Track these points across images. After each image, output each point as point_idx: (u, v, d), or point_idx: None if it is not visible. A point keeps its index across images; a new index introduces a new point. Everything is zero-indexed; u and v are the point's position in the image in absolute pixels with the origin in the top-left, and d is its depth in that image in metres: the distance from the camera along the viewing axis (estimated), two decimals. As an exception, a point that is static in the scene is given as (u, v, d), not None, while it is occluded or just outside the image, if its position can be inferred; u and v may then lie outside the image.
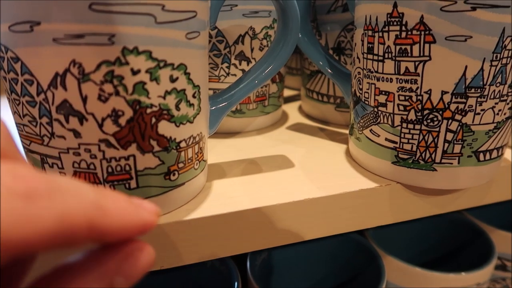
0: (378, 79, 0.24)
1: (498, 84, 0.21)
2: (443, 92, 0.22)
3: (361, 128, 0.26)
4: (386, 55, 0.23)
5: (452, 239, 0.40)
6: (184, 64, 0.19)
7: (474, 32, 0.20)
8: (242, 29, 0.29)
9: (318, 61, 0.30)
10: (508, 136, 0.24)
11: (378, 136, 0.25)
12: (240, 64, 0.31)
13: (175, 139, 0.20)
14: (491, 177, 0.25)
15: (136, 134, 0.19)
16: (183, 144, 0.21)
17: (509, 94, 0.22)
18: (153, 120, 0.19)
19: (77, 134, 0.18)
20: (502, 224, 0.44)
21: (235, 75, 0.31)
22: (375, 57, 0.23)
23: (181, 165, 0.21)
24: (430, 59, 0.21)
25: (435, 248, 0.41)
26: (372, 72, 0.24)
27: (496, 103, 0.22)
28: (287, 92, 0.46)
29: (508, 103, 0.22)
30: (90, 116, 0.18)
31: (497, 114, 0.22)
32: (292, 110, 0.40)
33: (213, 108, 0.25)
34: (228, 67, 0.30)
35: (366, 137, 0.26)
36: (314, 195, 0.24)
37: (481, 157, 0.23)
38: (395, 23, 0.22)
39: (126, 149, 0.19)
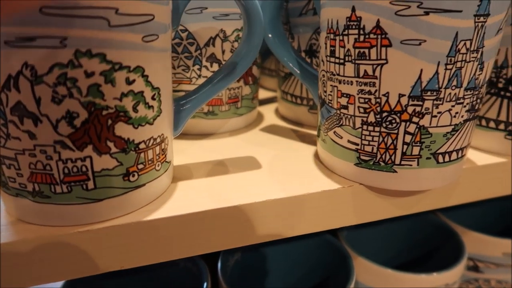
0: (340, 82, 0.24)
1: (453, 87, 0.22)
2: (400, 95, 0.22)
3: (326, 130, 0.26)
4: (347, 58, 0.23)
5: (426, 240, 0.40)
6: (141, 66, 0.20)
7: (428, 36, 0.20)
8: (212, 32, 0.30)
9: (288, 63, 0.31)
10: (468, 138, 0.24)
11: (341, 138, 0.25)
12: (211, 66, 0.31)
13: (133, 140, 0.20)
14: (453, 179, 0.25)
15: (92, 135, 0.19)
16: (142, 146, 0.21)
17: (466, 97, 0.22)
18: (109, 121, 0.19)
19: (32, 135, 0.18)
20: (475, 225, 0.44)
21: (206, 77, 0.31)
22: (337, 60, 0.24)
23: (140, 166, 0.21)
24: (387, 62, 0.22)
25: (409, 249, 0.42)
26: (334, 75, 0.24)
27: (453, 106, 0.22)
28: (265, 94, 0.47)
29: (465, 106, 0.23)
30: (45, 117, 0.18)
31: (454, 116, 0.23)
32: (268, 111, 0.40)
33: (177, 109, 0.25)
34: (200, 69, 0.31)
35: (331, 139, 0.26)
36: (276, 196, 0.24)
37: (440, 159, 0.24)
38: (353, 27, 0.22)
39: (82, 150, 0.19)
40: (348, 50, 0.23)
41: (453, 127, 0.23)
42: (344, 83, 0.24)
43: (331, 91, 0.25)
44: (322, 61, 0.26)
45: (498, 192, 0.30)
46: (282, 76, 0.36)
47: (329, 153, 0.27)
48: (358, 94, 0.23)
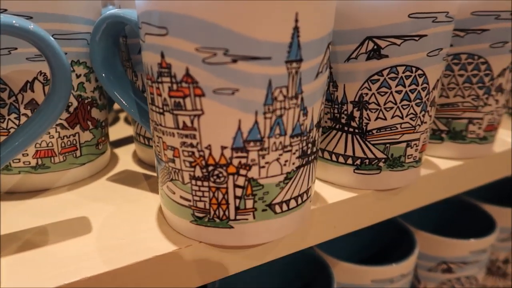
0: (163, 133, 0.21)
1: (278, 136, 0.20)
2: (223, 147, 0.20)
3: (161, 184, 0.24)
4: (165, 108, 0.21)
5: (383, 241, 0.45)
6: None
7: (240, 85, 0.19)
8: (29, 75, 0.25)
9: (125, 104, 0.27)
10: (306, 183, 0.23)
11: (174, 193, 0.22)
12: (32, 113, 0.26)
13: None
14: (297, 225, 0.24)
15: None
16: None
17: (293, 144, 0.21)
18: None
19: None
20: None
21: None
22: (157, 109, 0.21)
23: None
24: (203, 113, 0.20)
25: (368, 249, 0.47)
26: (158, 125, 0.22)
27: (281, 155, 0.21)
28: (128, 133, 0.43)
29: (294, 153, 0.21)
30: None
31: (285, 165, 0.21)
32: (126, 154, 0.36)
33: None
34: (18, 118, 0.26)
35: (166, 193, 0.23)
36: (95, 271, 0.20)
37: (277, 209, 0.22)
38: (165, 74, 0.20)
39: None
40: (165, 99, 0.20)
41: (285, 175, 0.21)
42: (167, 135, 0.21)
43: (158, 142, 0.22)
44: (148, 108, 0.23)
45: (352, 227, 0.30)
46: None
47: (167, 208, 0.24)
48: (181, 147, 0.21)
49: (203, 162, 0.20)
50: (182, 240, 0.23)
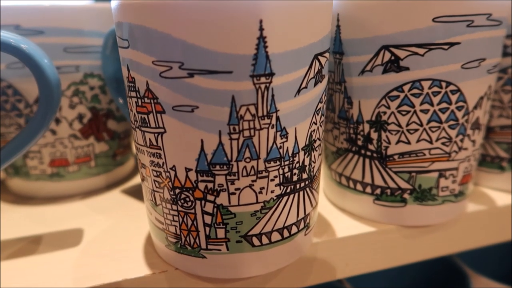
0: (138, 149, 0.20)
1: (248, 160, 0.18)
2: (187, 169, 0.18)
3: (146, 203, 0.22)
4: (135, 124, 0.19)
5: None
6: None
7: (199, 102, 0.17)
8: (43, 87, 0.27)
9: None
10: (295, 214, 0.20)
11: (151, 214, 0.21)
12: (47, 124, 0.27)
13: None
14: (284, 261, 0.21)
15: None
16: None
17: (270, 169, 0.18)
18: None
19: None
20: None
21: (43, 136, 0.28)
22: (132, 125, 0.20)
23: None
24: (165, 131, 0.18)
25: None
26: (135, 141, 0.21)
27: (254, 181, 0.18)
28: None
29: (272, 180, 0.19)
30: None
31: (260, 192, 0.19)
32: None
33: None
34: (34, 128, 0.27)
35: (147, 213, 0.22)
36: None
37: (256, 242, 0.19)
38: (132, 88, 0.19)
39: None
40: (135, 114, 0.19)
41: (262, 204, 0.19)
42: (140, 152, 0.20)
43: (139, 158, 0.21)
44: (134, 123, 0.22)
45: (370, 266, 0.25)
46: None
47: (150, 229, 0.23)
48: (150, 166, 0.19)
49: (170, 184, 0.19)
50: (159, 265, 0.21)
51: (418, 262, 0.32)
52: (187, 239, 0.20)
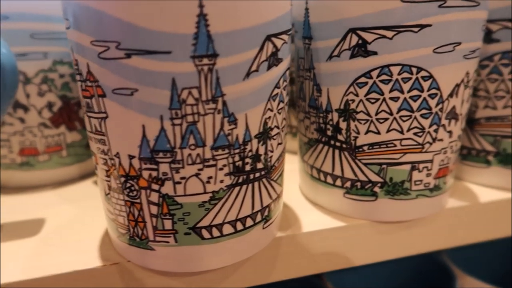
0: (88, 136, 0.20)
1: (193, 147, 0.17)
2: (131, 157, 0.17)
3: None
4: (84, 109, 0.19)
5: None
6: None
7: (138, 84, 0.16)
8: (9, 73, 0.26)
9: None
10: (249, 205, 0.19)
11: (104, 204, 0.20)
12: (15, 112, 0.27)
13: None
14: (239, 257, 0.20)
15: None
16: None
17: (217, 157, 0.17)
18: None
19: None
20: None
21: (11, 124, 0.27)
22: (83, 109, 0.19)
23: None
24: (107, 116, 0.17)
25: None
26: (86, 128, 0.20)
27: (201, 170, 0.17)
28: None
29: (221, 169, 0.18)
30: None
31: (208, 182, 0.18)
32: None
33: None
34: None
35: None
36: (10, 278, 0.19)
37: (205, 234, 0.19)
38: (77, 71, 0.18)
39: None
40: (81, 99, 0.18)
41: (211, 195, 0.18)
42: (89, 139, 0.19)
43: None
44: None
45: (341, 263, 0.24)
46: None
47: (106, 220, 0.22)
48: (98, 153, 0.19)
49: (116, 172, 0.18)
50: (113, 257, 0.21)
51: (407, 262, 0.30)
52: (135, 230, 0.19)
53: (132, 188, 0.18)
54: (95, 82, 0.17)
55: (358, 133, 0.22)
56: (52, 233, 0.23)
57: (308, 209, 0.25)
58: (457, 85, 0.21)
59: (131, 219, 0.19)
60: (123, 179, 0.18)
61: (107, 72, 0.16)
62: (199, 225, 0.18)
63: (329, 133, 0.23)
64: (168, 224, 0.18)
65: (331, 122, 0.22)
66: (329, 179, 0.24)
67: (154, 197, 0.18)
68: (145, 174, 0.17)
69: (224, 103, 0.17)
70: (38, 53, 0.26)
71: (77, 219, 0.25)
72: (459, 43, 0.20)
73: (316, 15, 0.21)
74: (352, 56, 0.20)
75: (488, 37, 0.25)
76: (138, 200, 0.18)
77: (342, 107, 0.22)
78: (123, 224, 0.19)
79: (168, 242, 0.19)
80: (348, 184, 0.23)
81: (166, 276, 0.21)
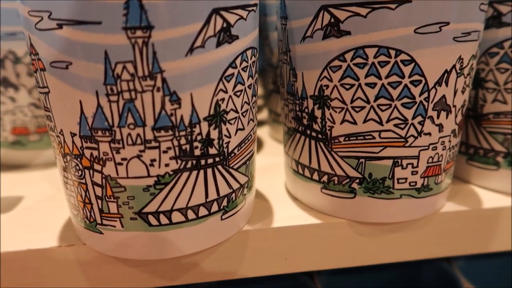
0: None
1: (132, 126, 0.16)
2: (72, 134, 0.17)
3: (66, 172, 0.21)
4: (36, 84, 0.18)
5: None
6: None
7: (72, 57, 0.15)
8: None
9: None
10: (200, 192, 0.18)
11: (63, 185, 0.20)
12: (6, 90, 0.27)
13: None
14: (192, 248, 0.19)
15: None
16: None
17: (160, 139, 0.16)
18: None
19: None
20: None
21: (3, 103, 0.28)
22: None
23: None
24: (49, 91, 0.16)
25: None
26: (46, 105, 0.20)
27: (142, 151, 0.16)
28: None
29: (165, 151, 0.16)
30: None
31: (152, 165, 0.17)
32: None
33: None
34: (-7, 94, 0.27)
35: (65, 183, 0.21)
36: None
37: (153, 221, 0.18)
38: (26, 46, 0.17)
39: None
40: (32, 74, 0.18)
41: (155, 179, 0.17)
42: (44, 116, 0.19)
43: (53, 125, 0.20)
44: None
45: (315, 264, 0.22)
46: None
47: (70, 200, 0.22)
48: (49, 131, 0.18)
49: (63, 150, 0.17)
50: (70, 238, 0.20)
51: (410, 269, 0.28)
52: (84, 212, 0.18)
53: (77, 167, 0.17)
54: (36, 55, 0.16)
55: (334, 122, 0.20)
56: (23, 211, 0.23)
57: (286, 203, 0.24)
58: (447, 72, 0.19)
59: (79, 200, 0.18)
60: (68, 157, 0.17)
61: (44, 45, 0.15)
62: (145, 210, 0.17)
63: (305, 121, 0.21)
64: (113, 208, 0.17)
65: (306, 110, 0.21)
66: (307, 172, 0.22)
67: (97, 178, 0.17)
68: (87, 153, 0.17)
69: (164, 80, 0.15)
70: (27, 33, 0.26)
71: (51, 200, 0.24)
72: (447, 23, 0.18)
73: (290, -8, 0.20)
74: (325, 36, 0.19)
75: (497, 20, 0.22)
76: (83, 181, 0.17)
77: (316, 93, 0.20)
78: (74, 205, 0.19)
79: (114, 226, 0.18)
80: (325, 178, 0.21)
81: (122, 262, 0.20)
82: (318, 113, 0.20)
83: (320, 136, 0.21)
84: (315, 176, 0.22)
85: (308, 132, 0.21)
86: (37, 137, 0.29)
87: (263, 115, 0.41)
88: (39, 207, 0.24)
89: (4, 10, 0.25)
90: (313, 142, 0.21)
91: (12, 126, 0.28)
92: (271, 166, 0.29)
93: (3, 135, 0.29)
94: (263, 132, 0.37)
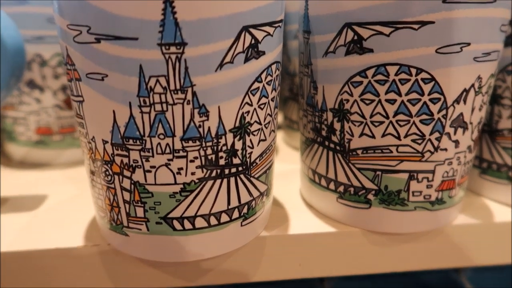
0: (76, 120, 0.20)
1: (162, 136, 0.17)
2: (104, 141, 0.17)
3: (91, 174, 0.22)
4: (69, 92, 0.19)
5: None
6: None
7: (108, 70, 0.16)
8: (27, 56, 0.27)
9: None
10: (223, 200, 0.19)
11: (90, 187, 0.21)
12: (32, 92, 0.28)
13: None
14: (214, 252, 0.20)
15: None
16: None
17: (188, 149, 0.17)
18: None
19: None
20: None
21: (28, 103, 0.29)
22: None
23: None
24: (83, 100, 0.17)
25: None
26: (76, 111, 0.20)
27: (170, 160, 0.17)
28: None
29: (192, 161, 0.17)
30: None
31: (179, 173, 0.17)
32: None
33: None
34: (20, 95, 0.28)
35: (91, 185, 0.22)
36: (3, 249, 0.20)
37: (178, 226, 0.18)
38: (62, 55, 0.18)
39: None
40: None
41: (181, 186, 0.18)
42: (76, 122, 0.20)
43: (81, 130, 0.21)
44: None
45: (329, 270, 0.23)
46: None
47: (95, 201, 0.22)
48: (80, 136, 0.19)
49: (93, 156, 0.18)
50: (96, 238, 0.21)
51: (416, 276, 0.28)
52: (111, 214, 0.19)
53: (107, 173, 0.18)
54: (73, 65, 0.17)
55: (352, 135, 0.20)
56: (48, 210, 0.24)
57: (302, 211, 0.24)
58: (465, 90, 0.19)
59: (107, 204, 0.19)
60: (99, 163, 0.18)
61: (81, 56, 0.16)
62: (171, 215, 0.18)
63: (323, 133, 0.22)
64: (140, 212, 0.18)
65: (325, 122, 0.21)
66: (323, 182, 0.23)
67: (126, 183, 0.18)
68: (118, 160, 0.17)
69: (194, 93, 0.16)
70: (54, 36, 0.27)
71: (75, 199, 0.25)
72: (468, 44, 0.18)
73: (314, 8, 0.20)
74: (347, 52, 0.19)
75: (515, 39, 0.22)
76: (112, 185, 0.18)
77: (336, 106, 0.20)
78: (102, 207, 0.19)
79: (140, 229, 0.19)
80: (341, 188, 0.22)
81: (144, 263, 0.21)
82: (337, 125, 0.21)
83: (338, 148, 0.21)
84: (332, 186, 0.22)
85: (327, 143, 0.22)
86: (59, 137, 0.30)
87: (278, 120, 0.41)
88: (62, 207, 0.25)
89: (32, 15, 0.26)
90: (331, 153, 0.22)
91: (36, 126, 0.29)
92: (286, 173, 0.29)
93: (27, 134, 0.30)
94: (277, 138, 0.37)
